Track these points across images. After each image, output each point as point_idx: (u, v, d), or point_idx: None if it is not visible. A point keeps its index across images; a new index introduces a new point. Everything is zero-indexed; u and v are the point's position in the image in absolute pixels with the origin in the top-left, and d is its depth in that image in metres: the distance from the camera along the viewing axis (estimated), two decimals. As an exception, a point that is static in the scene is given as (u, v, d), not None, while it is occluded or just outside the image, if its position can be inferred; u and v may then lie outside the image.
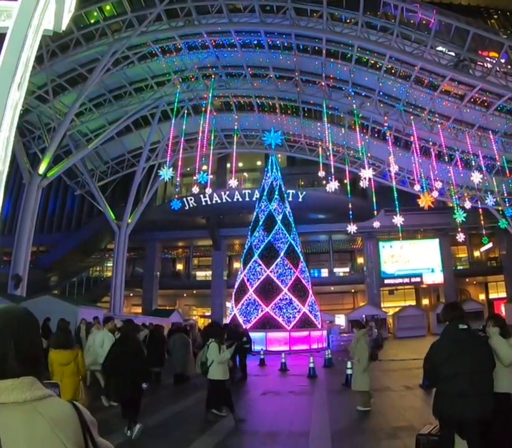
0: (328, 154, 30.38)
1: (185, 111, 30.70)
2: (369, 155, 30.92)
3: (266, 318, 23.68)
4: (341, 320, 36.50)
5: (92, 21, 24.82)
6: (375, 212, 29.88)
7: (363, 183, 27.00)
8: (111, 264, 37.03)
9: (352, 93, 28.33)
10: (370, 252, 40.07)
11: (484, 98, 26.15)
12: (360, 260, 43.14)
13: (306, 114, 31.89)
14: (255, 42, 26.86)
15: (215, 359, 8.24)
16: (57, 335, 7.09)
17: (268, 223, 25.98)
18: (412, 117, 28.28)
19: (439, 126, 28.06)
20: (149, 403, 10.20)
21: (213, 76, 28.86)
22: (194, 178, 27.56)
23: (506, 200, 30.69)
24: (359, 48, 25.35)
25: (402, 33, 23.98)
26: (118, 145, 34.18)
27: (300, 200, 36.20)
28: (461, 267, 41.49)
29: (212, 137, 30.91)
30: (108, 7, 24.60)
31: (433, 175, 29.18)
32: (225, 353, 8.41)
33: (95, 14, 24.54)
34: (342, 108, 29.82)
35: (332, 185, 25.68)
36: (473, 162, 28.62)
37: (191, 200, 37.28)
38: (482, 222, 30.48)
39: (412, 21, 24.39)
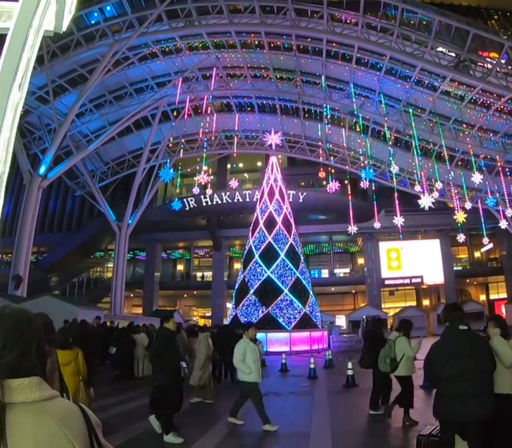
0: (328, 154, 30.39)
1: (186, 112, 30.71)
2: (369, 154, 30.92)
3: (266, 318, 23.67)
4: (341, 320, 36.47)
5: (92, 22, 24.87)
6: (376, 213, 29.88)
7: (363, 184, 27.02)
8: (111, 265, 37.02)
9: (353, 94, 28.34)
10: (371, 252, 40.03)
11: (485, 99, 26.14)
12: (360, 261, 43.12)
13: (306, 115, 31.90)
14: (256, 43, 26.87)
15: (408, 353, 7.83)
16: (57, 335, 7.10)
17: (269, 223, 25.97)
18: (412, 117, 28.28)
19: (439, 126, 28.06)
20: (149, 403, 10.20)
21: (213, 78, 28.85)
22: (195, 178, 27.58)
23: (507, 200, 30.67)
24: (359, 48, 25.36)
25: (403, 33, 24.01)
26: (118, 146, 34.19)
27: (300, 200, 36.20)
28: (461, 268, 41.45)
29: (213, 138, 30.97)
30: (108, 8, 24.64)
31: (433, 175, 29.19)
32: (417, 346, 8.07)
33: (96, 14, 24.58)
34: (343, 109, 29.82)
35: (333, 186, 25.71)
36: (473, 162, 28.62)
37: (192, 200, 37.29)
38: (482, 223, 30.48)
39: (412, 22, 24.42)
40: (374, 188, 30.11)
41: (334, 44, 25.86)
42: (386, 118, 28.55)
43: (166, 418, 7.23)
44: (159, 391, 7.39)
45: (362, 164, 30.48)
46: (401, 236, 30.46)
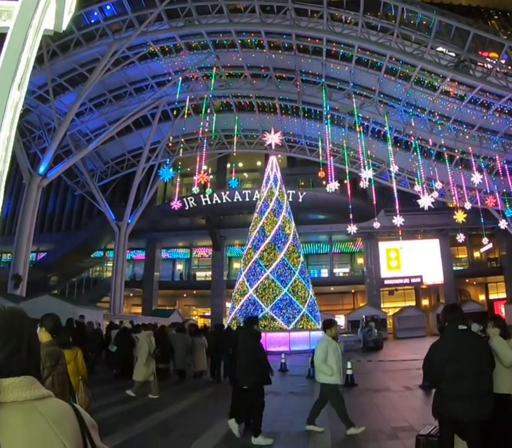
0: (328, 154, 30.36)
1: (186, 111, 30.69)
2: (369, 153, 30.90)
3: (266, 318, 23.68)
4: (340, 320, 36.46)
5: (92, 21, 24.84)
6: (375, 212, 29.87)
7: (363, 184, 27.01)
8: (111, 264, 37.01)
9: (353, 94, 28.33)
10: (370, 252, 40.04)
11: (485, 99, 26.15)
12: (360, 260, 43.13)
13: (306, 115, 31.89)
14: (256, 42, 26.86)
15: None
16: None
17: (268, 223, 25.97)
18: (412, 117, 28.29)
19: (439, 126, 28.06)
20: (149, 403, 10.22)
21: (213, 77, 28.83)
22: (194, 178, 27.57)
23: (506, 200, 30.67)
24: (359, 48, 25.35)
25: (403, 33, 24.00)
26: (118, 145, 34.19)
27: (300, 200, 36.19)
28: (461, 268, 41.46)
29: (212, 138, 30.95)
30: (108, 7, 24.62)
31: (433, 175, 29.18)
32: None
33: (95, 13, 24.55)
34: (343, 108, 29.83)
35: (332, 186, 25.68)
36: (473, 162, 28.63)
37: (191, 200, 37.28)
38: (482, 223, 30.49)
39: (412, 22, 24.41)
40: (373, 188, 30.11)
41: (334, 44, 25.86)
42: (386, 118, 28.55)
43: (259, 420, 6.99)
44: (250, 394, 7.15)
45: (362, 164, 30.45)
46: (401, 237, 30.41)
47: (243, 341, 7.67)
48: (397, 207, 28.54)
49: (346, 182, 29.67)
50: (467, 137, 28.26)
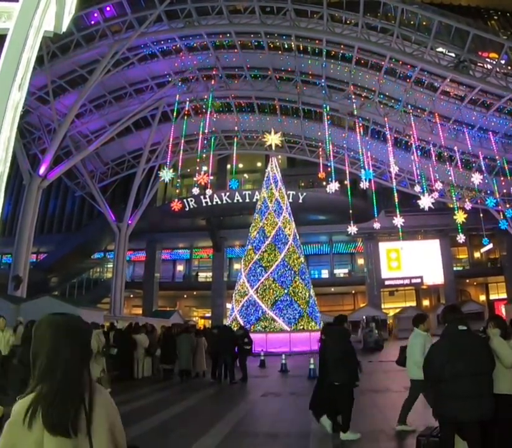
0: (328, 154, 30.37)
1: (186, 112, 30.70)
2: (369, 155, 30.89)
3: (266, 319, 23.68)
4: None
5: (92, 22, 24.84)
6: (376, 213, 29.86)
7: (363, 184, 27.01)
8: (111, 265, 37.01)
9: (352, 94, 28.34)
10: (371, 253, 40.03)
11: (484, 99, 26.14)
12: (360, 261, 43.10)
13: (306, 115, 31.90)
14: (255, 43, 26.87)
15: None
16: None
17: (268, 224, 25.98)
18: (412, 118, 28.28)
19: (439, 126, 28.06)
20: (150, 404, 10.22)
21: (213, 78, 28.83)
22: (194, 179, 27.59)
23: (506, 200, 30.64)
24: (359, 49, 25.35)
25: (402, 34, 24.00)
26: (118, 146, 34.18)
27: (300, 201, 36.19)
28: (461, 268, 41.45)
29: (212, 139, 30.96)
30: (108, 9, 24.62)
31: (433, 176, 29.17)
32: None
33: (95, 15, 24.56)
34: (343, 109, 29.83)
35: (333, 186, 25.70)
36: (473, 163, 28.60)
37: (191, 201, 37.28)
38: (482, 223, 30.47)
39: (412, 22, 24.41)
40: (373, 188, 30.12)
41: (334, 44, 25.85)
42: (386, 118, 28.55)
43: (349, 416, 7.04)
44: (338, 391, 7.16)
45: (361, 164, 30.45)
46: (401, 238, 30.38)
47: (334, 339, 7.68)
48: (397, 207, 28.54)
49: (346, 182, 29.68)
50: (467, 137, 28.25)
